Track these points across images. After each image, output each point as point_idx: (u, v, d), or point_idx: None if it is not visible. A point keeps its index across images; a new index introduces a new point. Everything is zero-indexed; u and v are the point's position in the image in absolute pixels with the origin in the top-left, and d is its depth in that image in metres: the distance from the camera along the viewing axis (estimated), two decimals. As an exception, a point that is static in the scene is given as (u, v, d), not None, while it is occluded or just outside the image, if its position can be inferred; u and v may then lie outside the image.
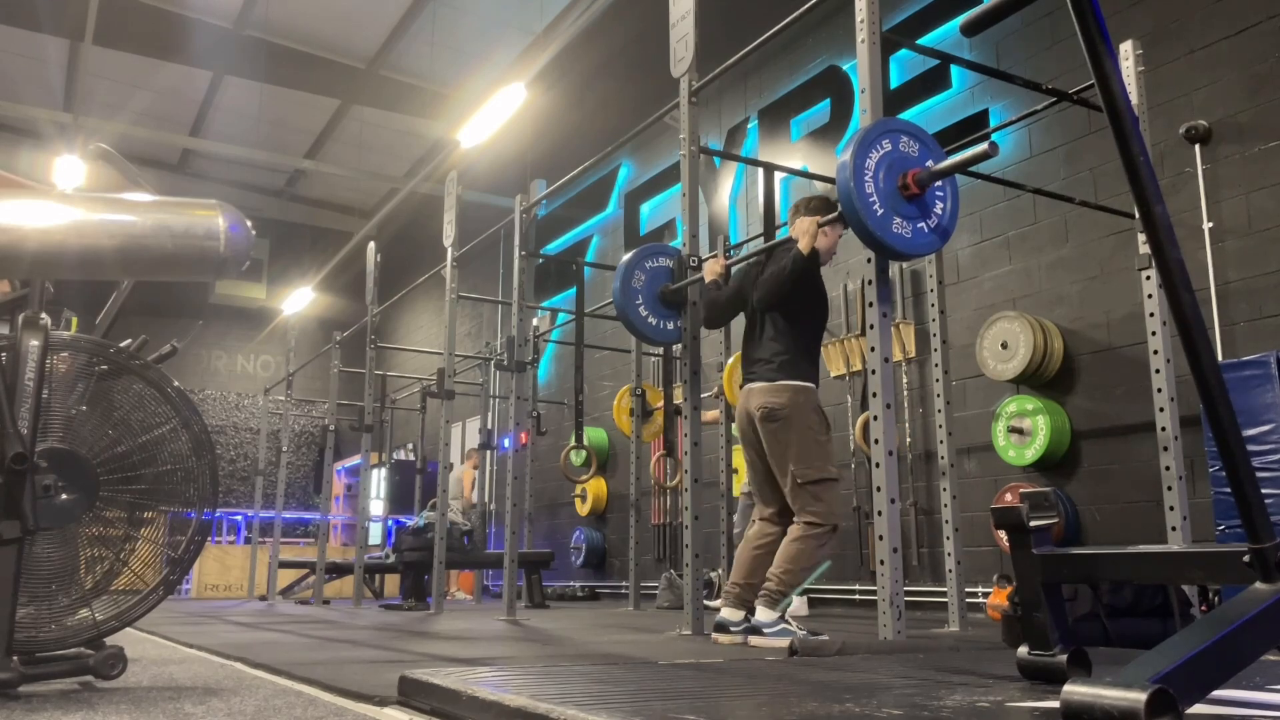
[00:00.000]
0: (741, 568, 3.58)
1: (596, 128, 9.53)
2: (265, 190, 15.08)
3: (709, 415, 5.82)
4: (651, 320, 4.53)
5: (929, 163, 3.15)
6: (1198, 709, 1.47)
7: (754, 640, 3.31)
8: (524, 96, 7.72)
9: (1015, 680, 1.86)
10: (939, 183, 3.19)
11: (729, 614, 3.50)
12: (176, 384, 2.36)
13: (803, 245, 3.47)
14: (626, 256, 4.59)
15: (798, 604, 6.13)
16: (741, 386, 3.71)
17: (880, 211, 3.04)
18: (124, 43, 10.45)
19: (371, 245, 8.23)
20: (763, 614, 3.35)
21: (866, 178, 3.04)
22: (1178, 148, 4.91)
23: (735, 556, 3.66)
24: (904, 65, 6.67)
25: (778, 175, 6.89)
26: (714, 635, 3.49)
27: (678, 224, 7.81)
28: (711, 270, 3.97)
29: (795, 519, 3.48)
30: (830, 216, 3.51)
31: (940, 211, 3.20)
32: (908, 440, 6.21)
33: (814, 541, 3.41)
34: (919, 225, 3.14)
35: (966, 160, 3.09)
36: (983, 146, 2.99)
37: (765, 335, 3.64)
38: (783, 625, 3.32)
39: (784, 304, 3.59)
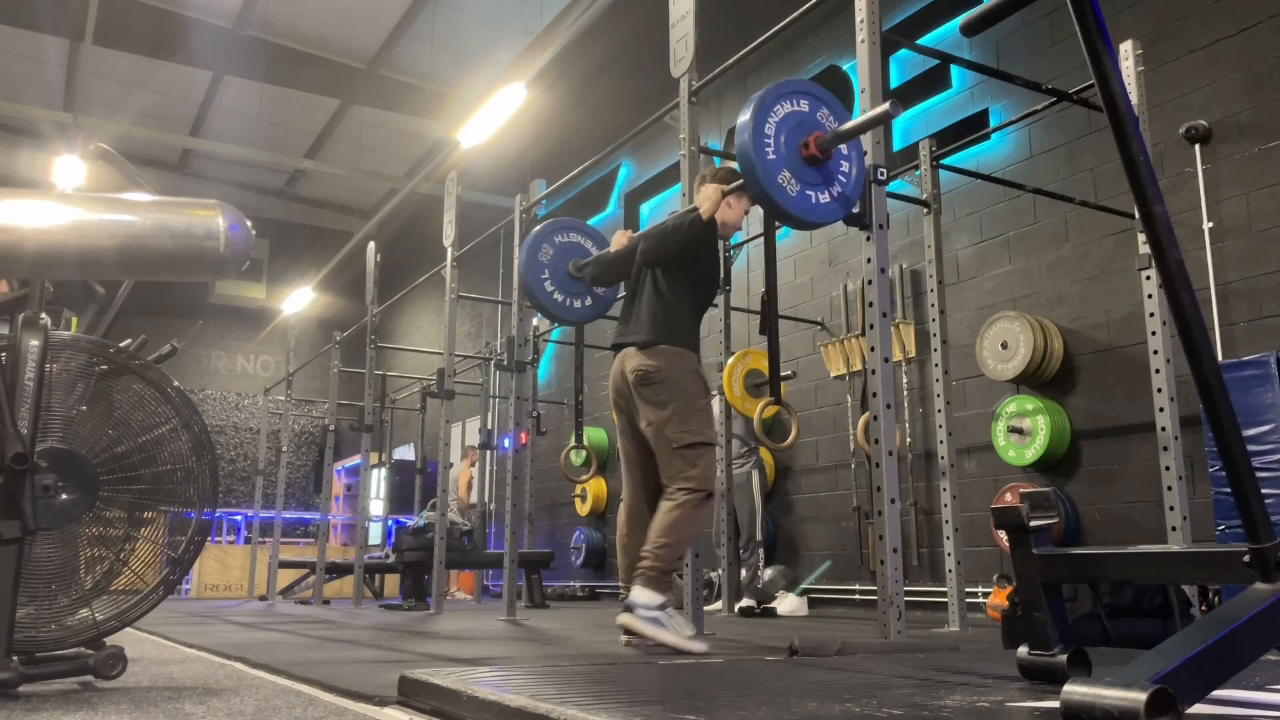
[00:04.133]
0: (627, 565, 3.33)
1: (596, 128, 9.53)
2: (265, 190, 15.07)
3: None
4: (558, 297, 4.26)
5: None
6: (1198, 709, 1.47)
7: (623, 619, 3.05)
8: (524, 96, 7.71)
9: (1015, 680, 1.86)
10: (845, 150, 3.10)
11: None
12: (176, 384, 2.36)
13: (703, 210, 3.28)
14: (535, 229, 4.34)
15: (797, 604, 6.14)
16: (615, 351, 3.48)
17: (779, 175, 2.93)
18: (124, 43, 10.44)
19: (371, 245, 8.23)
20: (640, 594, 3.05)
21: (767, 140, 2.93)
22: (1178, 148, 4.91)
23: (619, 554, 3.43)
24: (904, 65, 6.67)
25: (778, 175, 6.88)
26: (623, 637, 3.22)
27: (678, 224, 7.78)
28: (618, 243, 3.80)
29: (667, 488, 3.24)
30: (734, 185, 3.32)
31: (844, 180, 3.09)
32: (908, 440, 6.20)
33: (689, 510, 3.17)
34: (821, 192, 3.02)
35: (866, 122, 2.98)
36: (884, 106, 2.91)
37: (644, 296, 3.42)
38: (658, 614, 3.03)
39: (669, 264, 3.37)
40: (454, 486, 9.25)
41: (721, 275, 3.61)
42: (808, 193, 3.01)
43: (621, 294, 3.94)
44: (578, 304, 4.33)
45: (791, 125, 3.01)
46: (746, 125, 2.93)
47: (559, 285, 4.28)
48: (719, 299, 6.22)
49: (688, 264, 3.38)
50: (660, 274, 3.40)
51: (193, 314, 15.34)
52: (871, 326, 3.11)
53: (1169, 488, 3.67)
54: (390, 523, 11.66)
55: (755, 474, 6.26)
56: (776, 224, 5.07)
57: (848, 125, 3.04)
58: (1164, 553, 1.79)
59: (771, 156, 2.94)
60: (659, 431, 3.27)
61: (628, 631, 3.13)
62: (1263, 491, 1.46)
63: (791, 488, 7.18)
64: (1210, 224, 4.75)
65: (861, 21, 3.29)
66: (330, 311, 14.98)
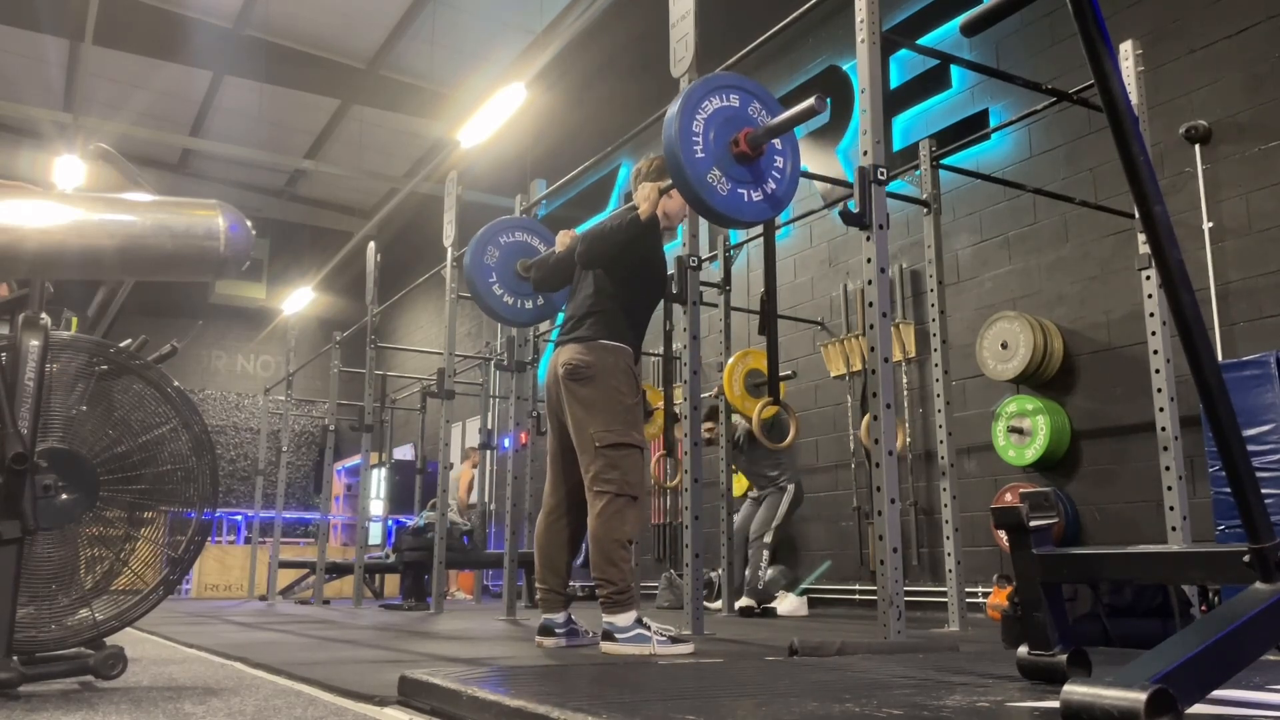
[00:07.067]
0: (542, 566, 3.36)
1: (596, 128, 9.53)
2: (265, 190, 15.08)
3: (706, 425, 5.81)
4: (507, 299, 4.12)
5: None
6: (1198, 709, 1.46)
7: (606, 646, 3.01)
8: (524, 96, 7.72)
9: (1015, 680, 1.86)
10: (778, 148, 3.06)
11: (550, 616, 3.30)
12: (176, 384, 2.36)
13: (642, 210, 3.16)
14: (481, 230, 4.22)
15: (797, 604, 6.14)
16: (557, 349, 3.38)
17: (709, 174, 2.85)
18: (124, 43, 10.45)
19: (371, 245, 8.23)
20: (611, 619, 3.03)
21: (695, 137, 2.86)
22: (1178, 148, 4.91)
23: (535, 557, 3.41)
24: (904, 65, 6.67)
25: (778, 175, 6.88)
26: (538, 639, 3.28)
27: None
28: (561, 243, 3.72)
29: (587, 489, 3.15)
30: (670, 183, 3.17)
31: (776, 178, 3.03)
32: (908, 440, 6.20)
33: (610, 519, 3.07)
34: (753, 190, 2.95)
35: (794, 117, 2.92)
36: (810, 102, 2.86)
37: (584, 293, 3.34)
38: (638, 631, 3.01)
39: (610, 264, 3.29)
40: (454, 487, 9.24)
41: (667, 272, 3.54)
42: (739, 191, 2.93)
43: None
44: (527, 305, 4.16)
45: (721, 121, 2.92)
46: (673, 121, 2.82)
47: (507, 286, 4.13)
48: (719, 299, 6.22)
49: (630, 262, 3.30)
50: (601, 270, 3.33)
51: (193, 314, 15.35)
52: (871, 326, 3.11)
53: (1169, 488, 3.67)
54: (390, 523, 11.66)
55: (791, 487, 6.25)
56: (777, 224, 5.07)
57: (776, 120, 2.97)
58: (1164, 553, 1.79)
59: (700, 155, 2.86)
60: (582, 429, 3.18)
61: (542, 632, 3.28)
62: (1263, 491, 1.46)
63: (791, 488, 7.19)
64: (1210, 224, 4.75)
65: (861, 21, 3.30)
66: (330, 311, 14.98)
